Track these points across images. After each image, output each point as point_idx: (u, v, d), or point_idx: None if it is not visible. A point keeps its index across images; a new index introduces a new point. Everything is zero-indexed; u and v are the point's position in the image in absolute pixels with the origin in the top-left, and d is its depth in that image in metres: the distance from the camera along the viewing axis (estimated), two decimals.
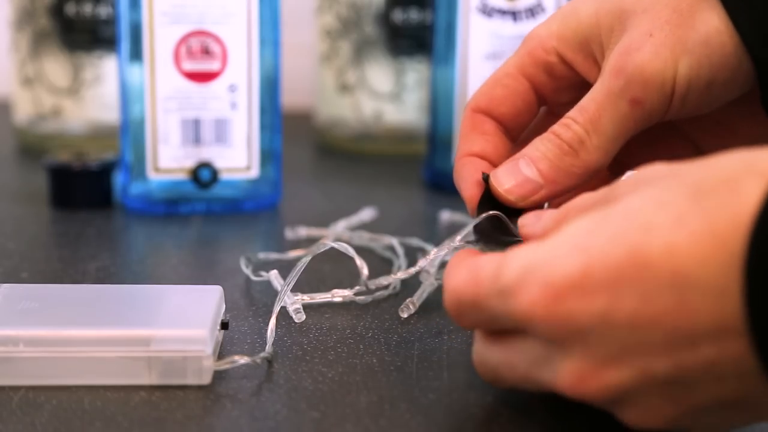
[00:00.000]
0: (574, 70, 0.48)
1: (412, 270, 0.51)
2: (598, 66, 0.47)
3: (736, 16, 0.44)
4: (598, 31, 0.47)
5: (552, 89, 0.49)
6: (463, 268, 0.39)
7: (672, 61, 0.44)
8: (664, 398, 0.35)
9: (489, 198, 0.46)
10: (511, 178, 0.46)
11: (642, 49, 0.44)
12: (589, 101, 0.45)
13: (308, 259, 0.49)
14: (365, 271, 0.50)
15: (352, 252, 0.49)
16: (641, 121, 0.45)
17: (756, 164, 0.33)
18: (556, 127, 0.46)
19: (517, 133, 0.50)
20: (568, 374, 0.35)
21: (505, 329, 0.38)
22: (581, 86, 0.48)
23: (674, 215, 0.33)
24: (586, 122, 0.45)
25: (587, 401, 0.36)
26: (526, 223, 0.42)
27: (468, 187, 0.47)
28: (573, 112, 0.46)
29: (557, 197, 0.46)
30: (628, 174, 0.41)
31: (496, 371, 0.39)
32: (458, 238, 0.48)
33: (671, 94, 0.45)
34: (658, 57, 0.44)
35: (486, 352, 0.40)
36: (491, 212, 0.45)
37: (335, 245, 0.49)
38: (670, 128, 0.49)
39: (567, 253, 0.35)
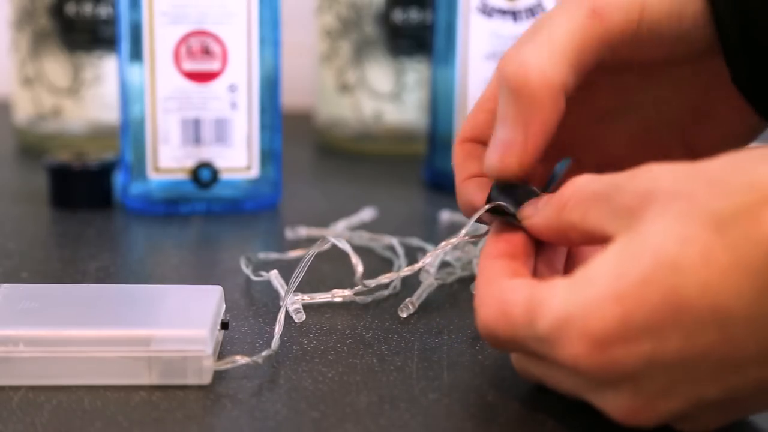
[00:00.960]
0: None
1: (408, 269, 0.50)
2: None
3: None
4: None
5: None
6: (492, 302, 0.39)
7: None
8: (717, 412, 0.36)
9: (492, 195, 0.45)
10: (493, 153, 0.43)
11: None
12: (546, 18, 0.43)
13: (313, 254, 0.48)
14: (360, 269, 0.50)
15: (349, 249, 0.49)
16: (597, 39, 0.42)
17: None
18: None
19: None
20: (619, 408, 0.36)
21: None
22: None
23: (701, 252, 0.34)
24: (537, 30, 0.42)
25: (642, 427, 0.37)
26: (526, 215, 0.42)
27: (477, 201, 0.46)
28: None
29: (537, 143, 0.43)
30: (627, 174, 0.40)
31: (540, 380, 0.40)
32: (462, 233, 0.48)
33: (638, 19, 0.42)
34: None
35: (529, 365, 0.40)
36: (491, 204, 0.44)
37: (335, 241, 0.49)
38: (654, 120, 0.48)
39: (602, 304, 0.35)
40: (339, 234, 0.62)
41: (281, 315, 0.46)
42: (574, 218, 0.39)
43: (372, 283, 0.50)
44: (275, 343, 0.44)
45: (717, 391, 0.35)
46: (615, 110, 0.48)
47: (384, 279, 0.50)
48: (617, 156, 0.48)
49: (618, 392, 0.36)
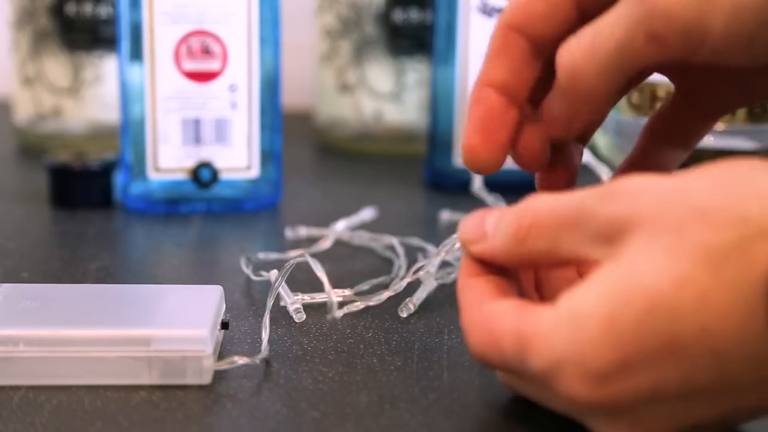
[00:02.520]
0: None
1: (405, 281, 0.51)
2: None
3: None
4: None
5: (595, 5, 0.41)
6: (479, 330, 0.38)
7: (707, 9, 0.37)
8: (715, 425, 0.36)
9: None
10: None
11: None
12: (604, 24, 0.39)
13: (289, 269, 0.48)
14: (334, 299, 0.49)
15: (321, 274, 0.48)
16: (654, 62, 0.39)
17: (759, 224, 0.33)
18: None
19: (552, 54, 0.42)
20: None
21: None
22: None
23: (697, 294, 0.33)
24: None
25: None
26: (471, 239, 0.40)
27: (470, 133, 0.42)
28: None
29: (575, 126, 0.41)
30: (595, 189, 0.37)
31: (529, 398, 0.40)
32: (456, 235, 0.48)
33: (700, 44, 0.38)
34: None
35: (518, 384, 0.40)
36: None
37: (309, 260, 0.48)
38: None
39: (599, 347, 0.34)
40: (339, 234, 0.62)
41: (266, 319, 0.46)
42: (540, 246, 0.37)
43: (339, 314, 0.49)
44: (265, 348, 0.44)
45: (714, 415, 0.35)
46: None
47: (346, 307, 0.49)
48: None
49: (615, 422, 0.36)
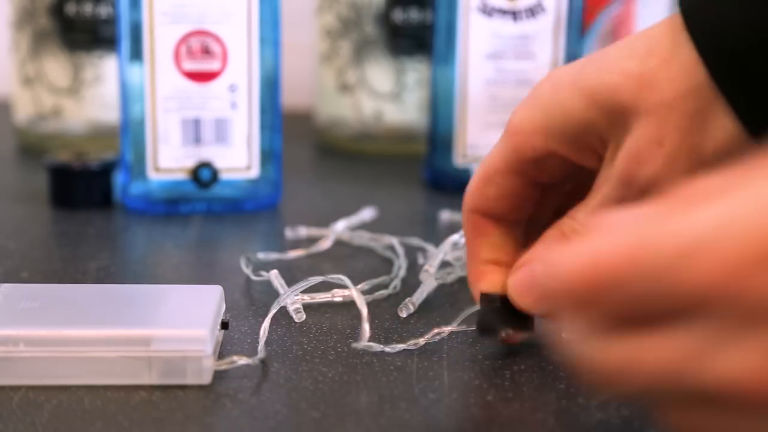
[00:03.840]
0: (568, 160, 0.44)
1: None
2: (597, 154, 0.43)
3: (748, 119, 0.40)
4: (596, 129, 0.43)
5: (547, 176, 0.45)
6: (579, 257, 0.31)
7: (688, 175, 0.39)
8: None
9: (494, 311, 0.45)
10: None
11: (652, 161, 0.41)
12: (598, 205, 0.42)
13: (314, 281, 0.49)
14: (366, 331, 0.46)
15: (363, 307, 0.47)
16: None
17: None
18: (566, 229, 0.44)
19: (522, 221, 0.47)
20: (752, 362, 0.29)
21: (647, 316, 0.30)
22: (579, 169, 0.45)
23: None
24: None
25: (757, 406, 0.29)
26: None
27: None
28: (582, 215, 0.43)
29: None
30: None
31: (623, 370, 0.31)
32: (457, 236, 0.48)
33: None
34: (672, 171, 0.40)
35: (612, 347, 0.31)
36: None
37: (352, 293, 0.48)
38: None
39: (735, 228, 0.29)
40: (339, 234, 0.62)
41: (266, 324, 0.46)
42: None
43: (361, 346, 0.46)
44: (261, 350, 0.44)
45: None
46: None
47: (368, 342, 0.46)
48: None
49: (750, 341, 0.29)
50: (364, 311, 0.46)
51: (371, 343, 0.45)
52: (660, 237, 0.30)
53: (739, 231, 0.29)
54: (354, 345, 0.45)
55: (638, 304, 0.30)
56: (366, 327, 0.45)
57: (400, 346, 0.45)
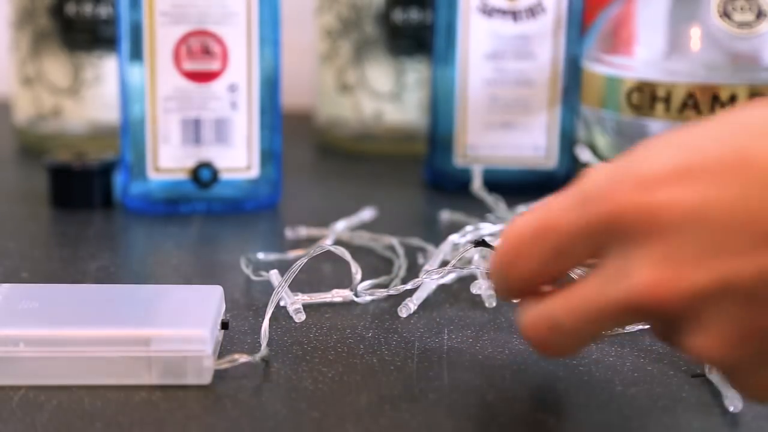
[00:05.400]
0: None
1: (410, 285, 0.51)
2: None
3: None
4: None
5: None
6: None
7: None
8: (736, 316, 0.32)
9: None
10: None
11: None
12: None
13: (304, 261, 0.48)
14: (358, 277, 0.50)
15: (348, 256, 0.49)
16: None
17: None
18: None
19: None
20: (646, 277, 0.33)
21: (565, 267, 0.36)
22: None
23: None
24: None
25: (659, 313, 0.33)
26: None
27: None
28: None
29: None
30: None
31: (554, 322, 0.36)
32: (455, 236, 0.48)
33: None
34: None
35: (541, 305, 0.36)
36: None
37: (333, 249, 0.49)
38: None
39: (662, 151, 0.32)
40: (339, 234, 0.62)
41: (265, 323, 0.46)
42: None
43: (364, 293, 0.50)
44: (264, 349, 0.44)
45: (750, 273, 0.32)
46: None
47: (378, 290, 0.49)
48: None
49: (646, 258, 0.33)
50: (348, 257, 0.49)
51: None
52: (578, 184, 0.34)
53: (652, 160, 0.32)
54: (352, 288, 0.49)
55: (555, 256, 0.35)
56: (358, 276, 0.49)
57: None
